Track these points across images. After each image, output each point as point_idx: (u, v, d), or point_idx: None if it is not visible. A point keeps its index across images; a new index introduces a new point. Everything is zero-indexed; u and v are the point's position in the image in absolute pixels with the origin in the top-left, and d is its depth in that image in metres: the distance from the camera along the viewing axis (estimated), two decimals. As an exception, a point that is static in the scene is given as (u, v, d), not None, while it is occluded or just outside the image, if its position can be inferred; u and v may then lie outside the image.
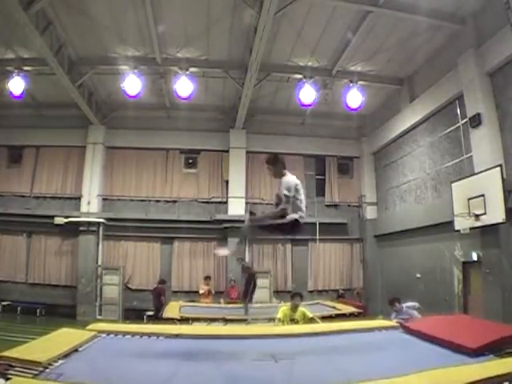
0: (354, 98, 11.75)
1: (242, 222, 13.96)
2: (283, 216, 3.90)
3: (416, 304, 6.82)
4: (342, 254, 15.08)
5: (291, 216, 3.92)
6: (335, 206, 15.39)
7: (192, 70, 11.26)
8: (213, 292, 12.14)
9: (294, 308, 6.33)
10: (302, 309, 6.44)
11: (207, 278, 12.43)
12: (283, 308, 6.53)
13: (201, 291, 11.95)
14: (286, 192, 3.94)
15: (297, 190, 4.10)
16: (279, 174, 4.24)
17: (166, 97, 13.49)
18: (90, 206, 14.00)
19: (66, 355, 3.20)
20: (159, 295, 10.86)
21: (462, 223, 8.95)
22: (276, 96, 13.76)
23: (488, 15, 8.84)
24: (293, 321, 6.16)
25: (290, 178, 4.15)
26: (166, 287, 12.05)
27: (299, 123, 15.25)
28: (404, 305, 6.78)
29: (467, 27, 9.45)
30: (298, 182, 4.18)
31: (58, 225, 13.43)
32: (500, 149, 8.71)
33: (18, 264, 13.92)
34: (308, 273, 14.69)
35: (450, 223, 9.38)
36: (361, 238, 15.17)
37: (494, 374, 2.65)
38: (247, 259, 14.12)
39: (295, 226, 3.97)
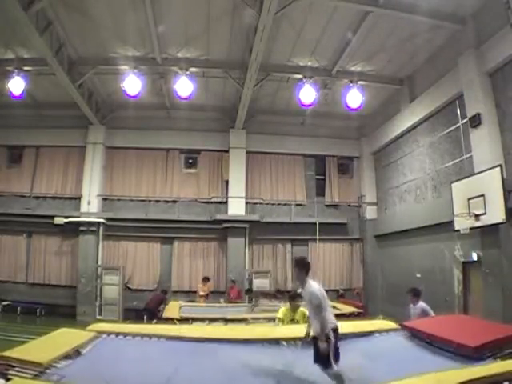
0: (354, 98, 11.74)
1: (242, 221, 13.89)
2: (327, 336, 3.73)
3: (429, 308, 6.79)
4: (342, 254, 15.08)
5: (332, 325, 3.82)
6: (335, 205, 15.39)
7: (192, 69, 11.26)
8: (209, 294, 12.13)
9: (294, 309, 6.32)
10: (302, 309, 6.43)
11: (206, 278, 12.44)
12: (283, 308, 6.51)
13: (201, 293, 11.94)
14: (317, 302, 3.85)
15: (324, 298, 3.97)
16: (303, 280, 4.13)
17: (165, 97, 13.49)
18: (90, 206, 14.00)
19: (66, 356, 3.20)
20: (158, 303, 10.81)
21: (461, 223, 8.94)
22: (276, 96, 13.76)
23: (488, 15, 8.83)
24: (293, 321, 6.14)
25: (316, 287, 4.00)
26: (167, 298, 11.97)
27: (299, 123, 15.25)
28: (421, 303, 6.76)
29: (467, 27, 9.45)
30: (321, 289, 4.05)
31: (57, 225, 13.43)
32: (500, 149, 8.70)
33: (18, 264, 13.93)
34: (308, 273, 14.66)
35: (450, 223, 9.37)
36: (361, 238, 15.17)
37: (493, 374, 2.65)
38: (246, 259, 14.14)
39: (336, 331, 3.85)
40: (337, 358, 3.62)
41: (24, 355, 2.93)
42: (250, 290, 8.93)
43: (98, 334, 3.99)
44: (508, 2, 7.47)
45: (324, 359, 3.63)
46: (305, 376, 3.24)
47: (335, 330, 3.78)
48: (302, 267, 4.16)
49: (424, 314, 6.35)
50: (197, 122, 14.76)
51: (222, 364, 3.41)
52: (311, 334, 3.98)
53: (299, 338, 4.37)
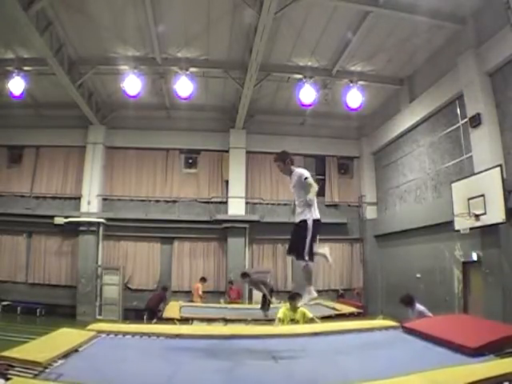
0: (354, 98, 11.75)
1: (242, 221, 13.85)
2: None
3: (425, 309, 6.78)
4: (342, 254, 15.07)
5: (314, 216, 4.03)
6: (335, 205, 15.39)
7: (192, 69, 11.26)
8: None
9: (294, 309, 6.33)
10: (302, 309, 6.44)
11: (203, 279, 12.45)
12: (283, 308, 6.52)
13: (200, 292, 11.94)
14: (310, 179, 4.04)
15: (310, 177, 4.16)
16: (288, 170, 4.30)
17: (165, 97, 13.50)
18: (90, 206, 14.01)
19: (65, 355, 3.19)
20: (158, 300, 10.83)
21: (461, 223, 8.94)
22: (276, 96, 13.76)
23: (488, 15, 8.83)
24: (293, 321, 6.16)
25: (303, 170, 4.21)
26: (168, 295, 12.00)
27: (299, 123, 15.25)
28: (417, 305, 6.76)
29: (467, 27, 9.45)
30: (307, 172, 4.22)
31: (57, 225, 13.44)
32: (500, 149, 8.70)
33: (18, 264, 13.94)
34: (308, 273, 14.66)
35: (450, 223, 9.38)
36: (361, 238, 15.17)
37: (493, 374, 2.65)
38: (246, 259, 14.12)
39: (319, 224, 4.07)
40: (311, 253, 3.86)
41: (24, 355, 2.92)
42: (246, 274, 8.80)
43: (98, 333, 3.99)
44: (508, 2, 7.48)
45: (300, 248, 3.87)
46: (305, 375, 3.24)
47: (316, 220, 3.98)
48: (285, 158, 4.29)
49: (422, 316, 6.35)
50: (197, 122, 14.76)
51: (222, 363, 3.41)
52: (295, 220, 4.15)
53: (299, 335, 4.39)
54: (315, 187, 4.04)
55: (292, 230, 4.25)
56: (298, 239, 4.01)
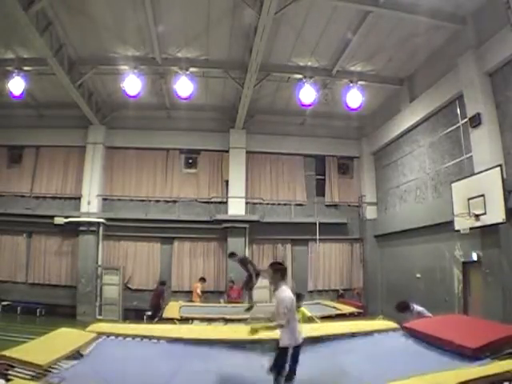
0: (354, 97, 11.73)
1: (242, 221, 13.80)
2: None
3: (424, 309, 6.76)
4: (342, 254, 15.07)
5: (293, 341, 3.76)
6: (335, 206, 15.38)
7: (192, 69, 11.25)
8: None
9: (296, 309, 6.33)
10: (303, 309, 6.45)
11: (202, 279, 12.45)
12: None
13: (198, 291, 11.95)
14: (285, 311, 3.76)
15: (292, 309, 3.89)
16: (276, 285, 4.03)
17: (166, 97, 13.49)
18: (90, 206, 14.00)
19: (67, 358, 3.19)
20: (158, 296, 10.85)
21: (461, 223, 8.94)
22: (276, 96, 13.75)
23: (488, 15, 8.83)
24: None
25: (287, 295, 3.91)
26: (166, 288, 12.04)
27: (299, 123, 15.24)
28: (415, 305, 6.73)
29: (467, 27, 9.45)
30: (292, 297, 3.96)
31: (57, 225, 13.42)
32: (500, 149, 8.70)
33: (18, 264, 13.93)
34: (308, 273, 14.69)
35: (450, 223, 9.37)
36: (361, 238, 15.16)
37: (493, 374, 2.65)
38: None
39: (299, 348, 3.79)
40: (289, 378, 3.57)
41: (24, 355, 2.92)
42: (233, 254, 8.95)
43: (98, 335, 3.99)
44: (508, 2, 7.47)
45: (275, 369, 3.60)
46: (305, 375, 3.24)
47: (296, 347, 3.71)
48: (277, 270, 4.08)
49: (421, 316, 6.33)
50: (197, 122, 14.75)
51: (222, 365, 3.41)
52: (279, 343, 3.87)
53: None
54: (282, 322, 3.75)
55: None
56: (277, 363, 3.69)
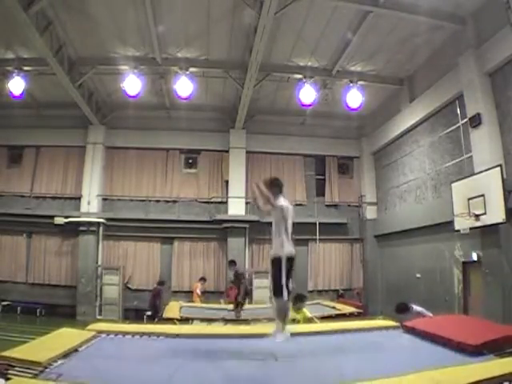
0: (354, 98, 11.74)
1: (242, 221, 13.76)
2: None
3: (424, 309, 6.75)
4: (342, 254, 15.08)
5: (288, 252, 3.99)
6: (335, 206, 15.39)
7: (192, 69, 11.26)
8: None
9: (298, 309, 6.33)
10: (305, 310, 6.47)
11: (203, 278, 12.44)
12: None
13: (197, 291, 11.94)
14: (289, 225, 4.05)
15: (290, 216, 4.16)
16: (276, 198, 4.13)
17: (166, 97, 13.49)
18: (90, 206, 14.00)
19: (65, 355, 3.20)
20: (155, 296, 10.84)
21: (461, 223, 8.94)
22: (276, 96, 13.75)
23: (488, 15, 8.83)
24: (294, 321, 6.15)
25: (285, 202, 4.10)
26: (166, 288, 12.02)
27: (299, 123, 15.24)
28: (414, 306, 6.72)
29: (467, 27, 9.45)
30: (290, 205, 4.13)
31: (57, 225, 13.43)
32: (500, 149, 8.70)
33: (18, 264, 13.93)
34: (308, 273, 14.69)
35: (450, 223, 9.38)
36: (361, 238, 15.17)
37: (493, 374, 2.65)
38: (246, 259, 14.11)
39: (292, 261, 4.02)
40: (287, 290, 3.81)
41: (24, 355, 2.93)
42: (233, 262, 9.00)
43: (98, 333, 3.99)
44: (508, 2, 7.48)
45: (276, 286, 3.84)
46: (305, 374, 3.24)
47: (290, 258, 3.94)
48: (275, 184, 4.21)
49: (421, 316, 6.32)
50: (197, 122, 14.76)
51: (222, 363, 3.41)
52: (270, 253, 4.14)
53: (299, 334, 4.39)
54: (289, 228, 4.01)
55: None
56: (274, 277, 3.94)
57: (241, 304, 8.16)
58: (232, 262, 9.14)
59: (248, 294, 8.73)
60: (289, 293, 3.90)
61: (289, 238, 4.02)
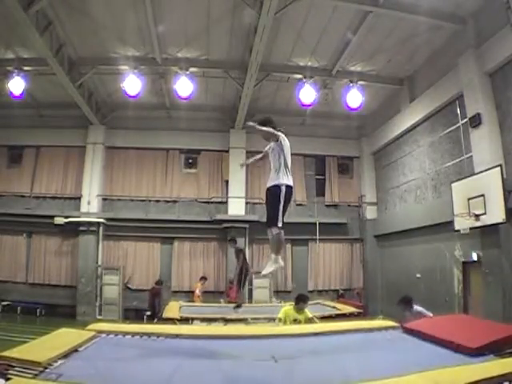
0: (354, 98, 11.75)
1: (242, 221, 13.79)
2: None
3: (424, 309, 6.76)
4: (342, 254, 15.08)
5: (285, 182, 3.97)
6: (335, 206, 15.39)
7: (192, 69, 11.26)
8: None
9: (300, 309, 6.32)
10: (307, 311, 6.46)
11: (203, 278, 12.45)
12: (286, 308, 6.49)
13: (197, 292, 11.95)
14: (288, 159, 4.03)
15: (288, 150, 4.18)
16: (274, 136, 4.15)
17: (166, 97, 13.49)
18: (90, 206, 14.00)
19: (65, 355, 3.19)
20: (155, 296, 10.84)
21: (461, 223, 8.94)
22: (276, 96, 13.75)
23: (488, 15, 8.83)
24: (295, 321, 6.14)
25: (286, 141, 4.17)
26: (164, 288, 12.01)
27: (299, 123, 15.23)
28: (414, 306, 6.73)
29: (467, 27, 9.45)
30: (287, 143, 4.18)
31: (57, 225, 13.43)
32: (500, 149, 8.70)
33: (18, 264, 13.92)
34: (308, 273, 14.69)
35: (450, 223, 9.38)
36: (361, 238, 15.17)
37: (494, 374, 2.65)
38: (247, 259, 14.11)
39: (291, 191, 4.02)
40: (282, 220, 3.83)
41: (24, 355, 2.92)
42: (234, 240, 9.30)
43: (98, 333, 3.99)
44: (508, 2, 7.49)
45: (271, 215, 3.84)
46: (305, 375, 3.24)
47: (288, 186, 3.92)
48: (270, 122, 4.21)
49: (421, 316, 6.32)
50: (197, 122, 14.76)
51: (222, 363, 3.41)
52: (268, 184, 4.10)
53: (299, 335, 4.39)
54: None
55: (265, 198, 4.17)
56: (271, 206, 3.93)
57: (241, 280, 8.27)
58: (232, 240, 9.34)
59: (248, 270, 8.81)
60: (282, 224, 3.90)
61: (287, 171, 4.01)
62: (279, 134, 4.11)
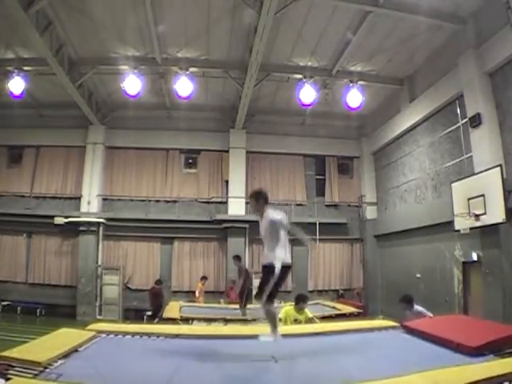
0: (354, 97, 11.74)
1: (242, 221, 13.75)
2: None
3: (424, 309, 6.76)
4: (342, 254, 15.08)
5: (283, 261, 3.75)
6: (335, 206, 15.39)
7: (192, 69, 11.26)
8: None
9: (301, 310, 6.32)
10: (307, 311, 6.47)
11: (203, 277, 12.43)
12: (287, 308, 6.49)
13: (197, 293, 11.93)
14: (282, 233, 3.80)
15: (282, 226, 3.90)
16: (261, 212, 4.03)
17: (166, 97, 13.49)
18: (90, 206, 14.01)
19: (65, 355, 3.19)
20: (157, 296, 10.82)
21: (461, 223, 8.94)
22: (276, 96, 13.76)
23: (488, 15, 8.83)
24: (296, 321, 6.14)
25: (277, 214, 3.92)
26: (164, 288, 12.00)
27: (299, 123, 15.25)
28: (415, 306, 6.73)
29: (467, 27, 9.45)
30: (283, 216, 3.96)
31: (57, 225, 13.43)
32: (500, 149, 8.70)
33: (18, 264, 13.92)
34: (308, 273, 14.69)
35: (450, 223, 9.37)
36: (361, 238, 15.17)
37: (494, 374, 2.65)
38: (246, 259, 14.10)
39: (287, 270, 3.82)
40: (272, 295, 3.67)
41: (24, 355, 2.93)
42: (238, 257, 9.15)
43: (98, 333, 3.99)
44: (508, 2, 7.49)
45: (261, 288, 3.66)
46: (305, 375, 3.24)
47: (285, 266, 3.72)
48: (259, 197, 4.07)
49: (421, 316, 6.32)
50: (197, 122, 14.76)
51: (222, 363, 3.41)
52: (263, 261, 3.94)
53: (299, 335, 4.39)
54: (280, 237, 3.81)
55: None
56: (262, 281, 3.76)
57: (244, 299, 8.25)
58: (237, 257, 9.25)
59: (250, 290, 8.79)
60: (273, 298, 3.76)
61: (282, 245, 3.82)
62: (269, 217, 3.92)
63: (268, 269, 3.70)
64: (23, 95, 11.58)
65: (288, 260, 3.83)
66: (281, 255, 3.75)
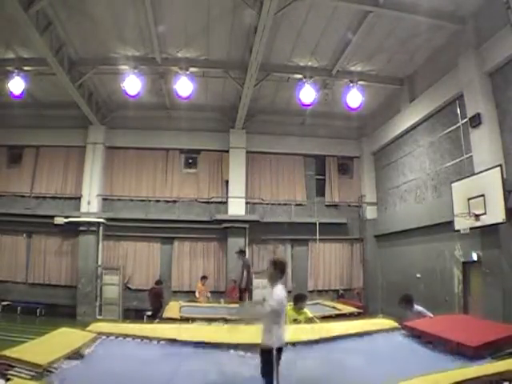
0: (354, 98, 11.73)
1: (242, 221, 13.76)
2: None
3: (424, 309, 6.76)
4: (342, 254, 15.07)
5: (278, 343, 3.60)
6: (335, 206, 15.38)
7: (192, 69, 11.25)
8: (208, 294, 12.06)
9: (300, 310, 6.32)
10: (306, 311, 6.47)
11: (204, 277, 12.42)
12: (286, 308, 6.49)
13: (197, 293, 11.92)
14: (275, 306, 3.64)
15: (282, 309, 3.77)
16: (274, 281, 3.89)
17: (166, 97, 13.48)
18: (90, 206, 14.00)
19: (66, 357, 3.19)
20: (157, 296, 10.81)
21: (461, 223, 8.94)
22: (276, 96, 13.75)
23: (488, 15, 8.82)
24: (295, 321, 6.14)
25: (283, 293, 3.78)
26: (164, 288, 12.00)
27: (299, 123, 15.24)
28: (415, 306, 6.73)
29: (467, 27, 9.45)
30: (286, 293, 3.85)
31: (57, 225, 13.42)
32: (500, 149, 8.70)
33: (18, 264, 13.92)
34: (308, 273, 14.69)
35: (450, 223, 9.37)
36: (361, 238, 15.16)
37: (493, 374, 2.65)
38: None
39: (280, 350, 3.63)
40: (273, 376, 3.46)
41: (24, 355, 2.93)
42: (243, 252, 9.13)
43: (98, 335, 3.98)
44: (508, 2, 7.48)
45: (266, 375, 3.46)
46: (306, 376, 3.24)
47: (279, 349, 3.57)
48: (277, 267, 3.94)
49: (421, 316, 6.32)
50: (197, 122, 14.75)
51: (222, 365, 3.41)
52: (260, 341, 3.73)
53: (299, 335, 4.38)
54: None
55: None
56: (264, 370, 3.54)
57: (244, 291, 8.24)
58: (241, 252, 9.23)
59: (247, 290, 8.78)
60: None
61: (280, 326, 3.69)
62: (278, 286, 3.81)
63: (266, 356, 3.54)
64: (23, 95, 11.56)
65: (284, 341, 3.69)
66: (278, 336, 3.63)
